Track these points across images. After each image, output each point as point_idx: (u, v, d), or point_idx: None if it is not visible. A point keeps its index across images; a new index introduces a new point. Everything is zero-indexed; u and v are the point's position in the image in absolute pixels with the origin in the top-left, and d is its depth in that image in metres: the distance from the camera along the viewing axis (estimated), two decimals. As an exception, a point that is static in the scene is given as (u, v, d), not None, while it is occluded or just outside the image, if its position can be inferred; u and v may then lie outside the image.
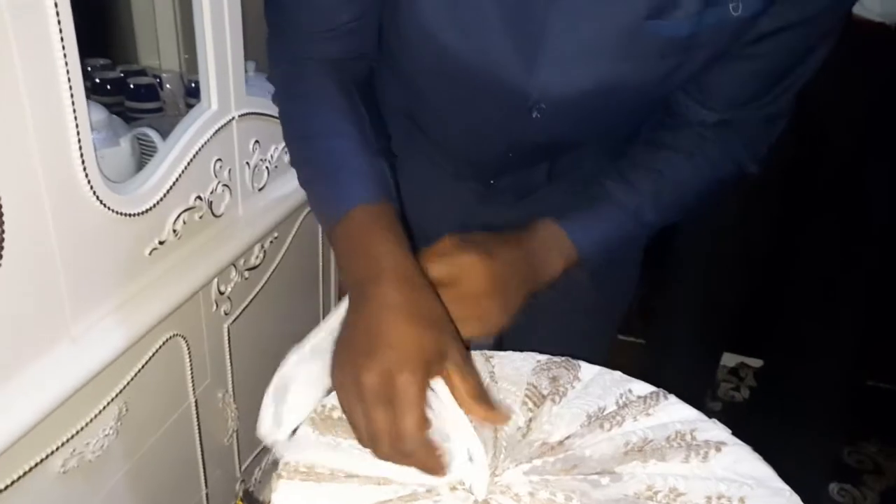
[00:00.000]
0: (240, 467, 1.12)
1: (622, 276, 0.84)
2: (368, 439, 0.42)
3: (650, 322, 1.54)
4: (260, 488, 1.19)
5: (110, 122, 0.79)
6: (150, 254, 0.76)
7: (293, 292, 1.19)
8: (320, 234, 1.25)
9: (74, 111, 0.60)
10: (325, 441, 0.46)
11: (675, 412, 0.52)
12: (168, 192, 0.76)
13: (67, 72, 0.58)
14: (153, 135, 0.82)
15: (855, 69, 1.13)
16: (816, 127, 1.22)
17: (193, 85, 1.22)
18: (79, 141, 0.61)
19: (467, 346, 0.49)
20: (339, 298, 0.51)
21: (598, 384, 0.54)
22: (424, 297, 0.47)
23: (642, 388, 0.55)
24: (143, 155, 0.86)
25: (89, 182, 0.64)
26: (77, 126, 0.61)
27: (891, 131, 1.21)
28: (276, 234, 1.05)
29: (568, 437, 0.49)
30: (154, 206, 0.75)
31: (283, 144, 1.03)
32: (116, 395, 0.74)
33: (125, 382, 0.75)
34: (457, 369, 0.44)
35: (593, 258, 0.62)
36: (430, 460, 0.42)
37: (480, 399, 0.44)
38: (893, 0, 1.11)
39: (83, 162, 0.63)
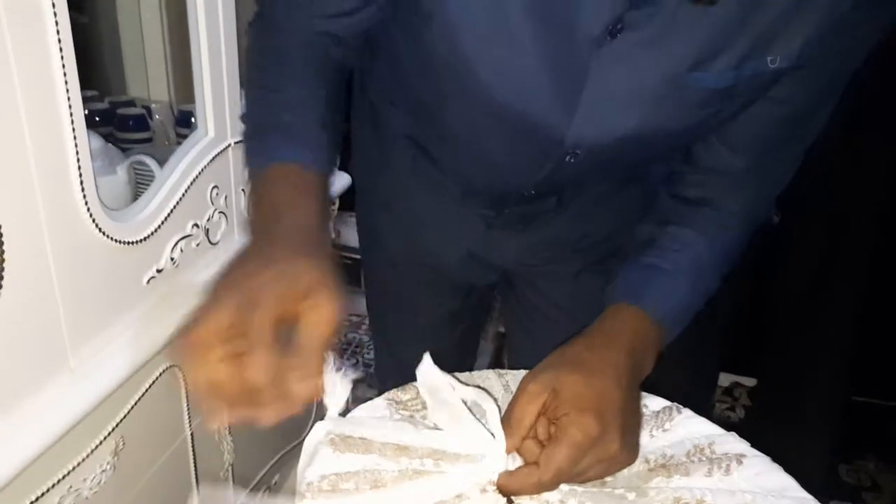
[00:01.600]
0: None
1: None
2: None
3: None
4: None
5: (106, 150, 0.78)
6: (147, 283, 0.75)
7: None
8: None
9: (75, 139, 0.60)
10: (345, 458, 0.45)
11: (692, 426, 0.52)
12: (166, 219, 0.76)
13: (69, 98, 0.58)
14: (150, 162, 0.81)
15: None
16: None
17: (183, 114, 1.22)
18: (79, 168, 0.61)
19: None
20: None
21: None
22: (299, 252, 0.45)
23: (656, 402, 0.55)
24: (139, 184, 0.85)
25: (89, 210, 0.63)
26: (77, 153, 0.60)
27: (874, 149, 1.24)
28: (270, 262, 1.04)
29: None
30: (152, 233, 0.74)
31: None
32: (113, 429, 0.72)
33: (122, 416, 0.73)
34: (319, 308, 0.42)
35: (673, 337, 0.60)
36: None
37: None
38: None
39: (83, 189, 0.62)
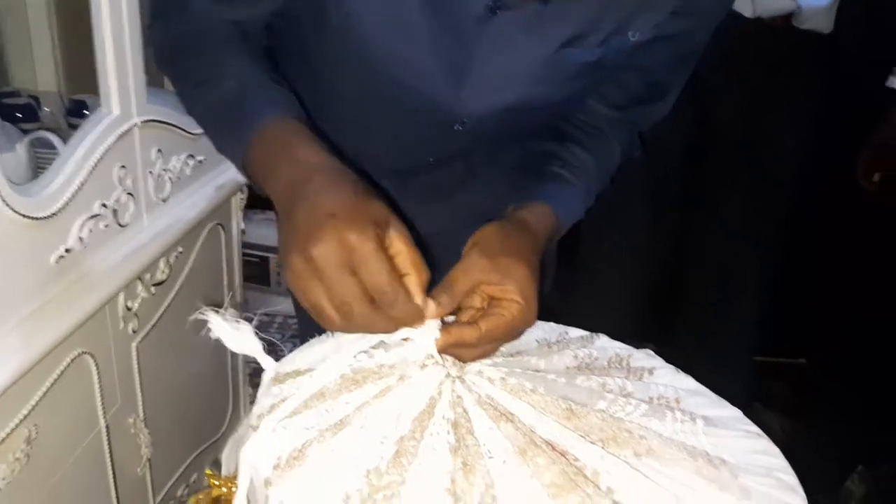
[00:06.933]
0: (154, 500, 1.05)
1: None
2: (340, 314, 0.41)
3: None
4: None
5: (3, 126, 0.74)
6: (56, 262, 0.72)
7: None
8: (223, 252, 1.22)
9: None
10: (287, 385, 0.46)
11: (611, 345, 0.56)
12: (73, 196, 0.73)
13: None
14: (54, 139, 0.77)
15: (743, 64, 1.28)
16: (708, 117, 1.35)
17: (75, 104, 1.17)
18: (-21, 136, 0.58)
19: None
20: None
21: (537, 327, 0.57)
22: (357, 182, 0.46)
23: (577, 332, 0.59)
24: (39, 168, 0.81)
25: (-8, 181, 0.60)
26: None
27: (778, 124, 1.35)
28: (180, 249, 1.02)
29: (520, 352, 0.53)
30: (59, 210, 0.71)
31: (186, 155, 1.01)
32: (26, 417, 0.69)
33: (34, 403, 0.70)
34: (400, 235, 0.44)
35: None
36: (410, 307, 0.43)
37: (423, 265, 0.45)
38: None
39: (-16, 159, 0.59)
